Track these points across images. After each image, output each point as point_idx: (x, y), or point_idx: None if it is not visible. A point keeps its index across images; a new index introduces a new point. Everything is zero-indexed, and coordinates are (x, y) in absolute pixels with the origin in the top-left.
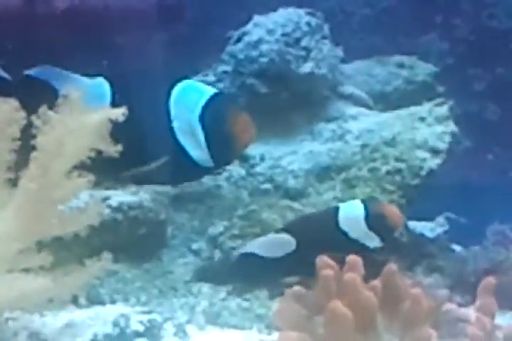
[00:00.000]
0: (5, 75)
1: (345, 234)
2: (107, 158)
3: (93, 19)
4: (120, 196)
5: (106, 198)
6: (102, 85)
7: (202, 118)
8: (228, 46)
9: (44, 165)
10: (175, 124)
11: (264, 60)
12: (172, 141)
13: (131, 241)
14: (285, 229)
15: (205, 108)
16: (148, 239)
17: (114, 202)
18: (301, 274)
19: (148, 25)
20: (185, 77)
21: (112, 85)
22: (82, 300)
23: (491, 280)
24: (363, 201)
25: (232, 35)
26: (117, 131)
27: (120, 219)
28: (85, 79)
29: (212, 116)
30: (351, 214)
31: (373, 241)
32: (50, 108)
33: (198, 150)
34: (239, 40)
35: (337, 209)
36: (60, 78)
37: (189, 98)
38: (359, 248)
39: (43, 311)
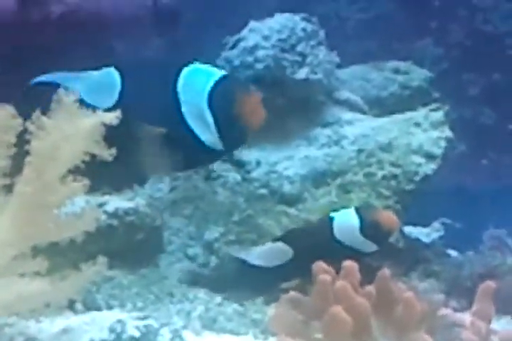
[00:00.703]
0: None
1: (340, 242)
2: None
3: (88, 24)
4: (116, 202)
5: (102, 204)
6: (111, 75)
7: (210, 101)
8: (224, 52)
9: (39, 170)
10: (184, 109)
11: (259, 65)
12: (182, 126)
13: (127, 247)
14: (282, 239)
15: (212, 91)
16: (144, 244)
17: (110, 207)
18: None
19: (144, 30)
20: (193, 61)
21: (121, 74)
22: (79, 306)
23: (490, 284)
24: (357, 210)
25: (227, 40)
26: (127, 119)
27: (116, 225)
28: (93, 73)
29: (219, 98)
30: (346, 224)
31: (369, 247)
32: None
33: (208, 134)
34: (235, 45)
35: (332, 219)
36: (69, 78)
37: (196, 81)
38: (355, 253)
39: (39, 317)
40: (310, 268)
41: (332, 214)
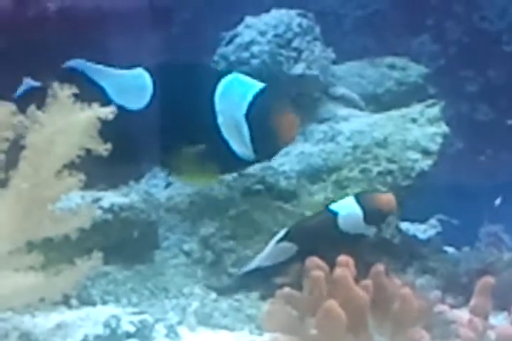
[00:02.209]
0: (36, 83)
1: (346, 233)
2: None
3: (83, 21)
4: (111, 197)
5: (97, 199)
6: (142, 76)
7: (248, 114)
8: (220, 47)
9: (34, 164)
10: (220, 119)
11: (255, 61)
12: (216, 135)
13: (122, 243)
14: (286, 238)
15: (251, 105)
16: (139, 240)
17: (105, 203)
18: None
19: (139, 26)
20: (231, 71)
21: (152, 76)
22: (74, 301)
23: (488, 280)
24: (357, 199)
25: (223, 36)
26: (157, 123)
27: (111, 220)
28: (124, 72)
29: (258, 113)
30: (350, 216)
31: (370, 231)
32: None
33: (242, 146)
34: (230, 41)
35: (335, 213)
36: (98, 72)
37: (235, 92)
38: (358, 239)
39: (34, 312)
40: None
41: (333, 207)
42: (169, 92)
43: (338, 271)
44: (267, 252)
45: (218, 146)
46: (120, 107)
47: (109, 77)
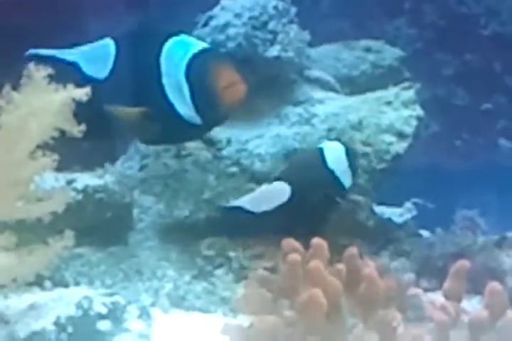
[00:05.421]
0: None
1: (332, 172)
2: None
3: (58, 1)
4: (86, 179)
5: (71, 181)
6: (108, 45)
7: (187, 73)
8: (195, 30)
9: (8, 145)
10: (164, 80)
11: (231, 44)
12: (162, 98)
13: (96, 224)
14: (280, 178)
15: (190, 63)
16: (113, 222)
17: (79, 184)
18: (298, 221)
19: (115, 8)
20: (180, 32)
21: (117, 44)
22: (47, 283)
23: (464, 264)
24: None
25: (199, 18)
26: (118, 89)
27: (85, 202)
28: (92, 44)
29: (196, 71)
30: (336, 152)
31: (347, 180)
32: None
33: (185, 107)
34: (206, 23)
35: (321, 149)
36: (66, 51)
37: (177, 53)
38: (338, 187)
39: (7, 293)
40: (310, 205)
41: (320, 145)
42: (126, 58)
43: (311, 263)
44: (259, 192)
45: (164, 109)
46: (92, 78)
47: (78, 53)
